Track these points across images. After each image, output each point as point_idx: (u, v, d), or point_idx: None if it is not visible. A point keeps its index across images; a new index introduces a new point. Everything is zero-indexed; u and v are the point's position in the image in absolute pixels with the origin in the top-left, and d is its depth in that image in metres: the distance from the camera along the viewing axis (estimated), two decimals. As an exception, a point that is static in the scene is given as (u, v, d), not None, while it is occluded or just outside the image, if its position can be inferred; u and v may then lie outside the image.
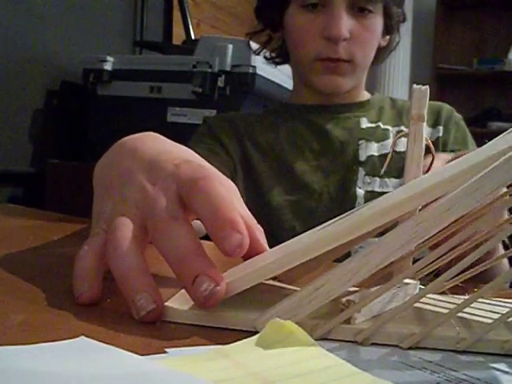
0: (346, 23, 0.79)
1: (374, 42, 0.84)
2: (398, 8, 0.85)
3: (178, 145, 0.43)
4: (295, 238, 0.33)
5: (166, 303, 0.32)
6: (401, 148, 0.84)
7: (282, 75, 1.63)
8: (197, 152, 0.41)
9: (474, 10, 3.32)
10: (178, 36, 2.27)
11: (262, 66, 1.61)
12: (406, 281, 0.37)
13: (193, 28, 2.15)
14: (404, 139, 0.97)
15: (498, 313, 0.33)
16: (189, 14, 2.16)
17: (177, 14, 2.25)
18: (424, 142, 0.37)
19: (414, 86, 0.37)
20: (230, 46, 1.62)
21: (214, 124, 0.90)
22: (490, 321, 0.31)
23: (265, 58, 1.01)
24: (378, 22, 0.83)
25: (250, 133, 0.89)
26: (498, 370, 0.28)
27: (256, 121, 0.92)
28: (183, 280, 0.32)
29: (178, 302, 0.33)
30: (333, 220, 0.34)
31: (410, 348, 0.30)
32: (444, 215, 0.29)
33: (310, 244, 0.31)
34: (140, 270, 0.32)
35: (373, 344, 0.30)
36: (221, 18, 2.68)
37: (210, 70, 1.61)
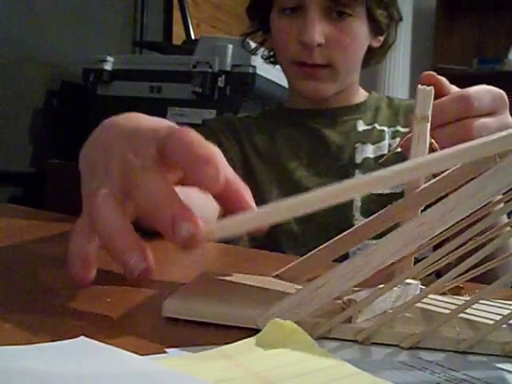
0: (319, 29, 0.78)
1: (355, 46, 0.83)
2: (383, 10, 0.84)
3: (163, 119, 0.43)
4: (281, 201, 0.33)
5: (167, 299, 0.32)
6: (397, 149, 0.84)
7: (282, 75, 1.63)
8: None
9: (474, 10, 3.32)
10: (178, 36, 2.27)
11: (261, 66, 1.60)
12: (408, 281, 0.37)
13: (193, 28, 2.15)
14: (399, 139, 0.97)
15: (500, 314, 0.33)
16: (189, 14, 2.16)
17: (177, 14, 2.25)
18: (428, 143, 0.37)
19: (419, 86, 0.37)
20: (230, 46, 1.62)
21: (214, 126, 0.90)
22: (491, 322, 0.31)
23: (262, 57, 1.01)
24: (358, 25, 0.82)
25: (248, 136, 0.89)
26: (499, 369, 0.28)
27: (253, 124, 0.92)
28: (162, 225, 0.31)
29: (179, 298, 0.33)
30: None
31: (410, 348, 0.30)
32: (446, 216, 0.29)
33: (295, 202, 0.31)
34: (126, 231, 0.32)
35: (373, 344, 0.30)
36: (221, 18, 2.68)
37: (209, 70, 1.61)
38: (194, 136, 0.33)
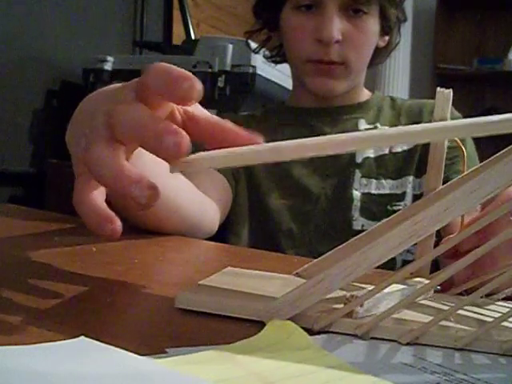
0: (337, 25, 0.78)
1: (368, 44, 0.84)
2: (394, 9, 0.84)
3: None
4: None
5: (180, 292, 0.34)
6: (397, 149, 0.84)
7: (282, 75, 1.63)
8: None
9: (474, 10, 3.32)
10: (177, 36, 2.27)
11: (261, 66, 1.61)
12: (420, 280, 0.38)
13: (193, 28, 2.15)
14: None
15: (500, 312, 0.33)
16: (189, 14, 2.16)
17: (177, 14, 2.25)
18: (446, 146, 0.38)
19: (438, 89, 0.37)
20: (230, 46, 1.62)
21: None
22: (490, 319, 0.31)
23: (264, 56, 1.01)
24: (372, 23, 0.82)
25: None
26: (499, 370, 0.28)
27: (255, 122, 0.91)
28: (150, 142, 0.32)
29: (189, 292, 0.34)
30: None
31: (409, 347, 0.30)
32: (442, 215, 0.29)
33: (290, 144, 0.32)
34: (127, 169, 0.33)
35: (372, 339, 0.31)
36: (221, 18, 2.68)
37: (210, 70, 1.61)
38: (169, 65, 0.35)
